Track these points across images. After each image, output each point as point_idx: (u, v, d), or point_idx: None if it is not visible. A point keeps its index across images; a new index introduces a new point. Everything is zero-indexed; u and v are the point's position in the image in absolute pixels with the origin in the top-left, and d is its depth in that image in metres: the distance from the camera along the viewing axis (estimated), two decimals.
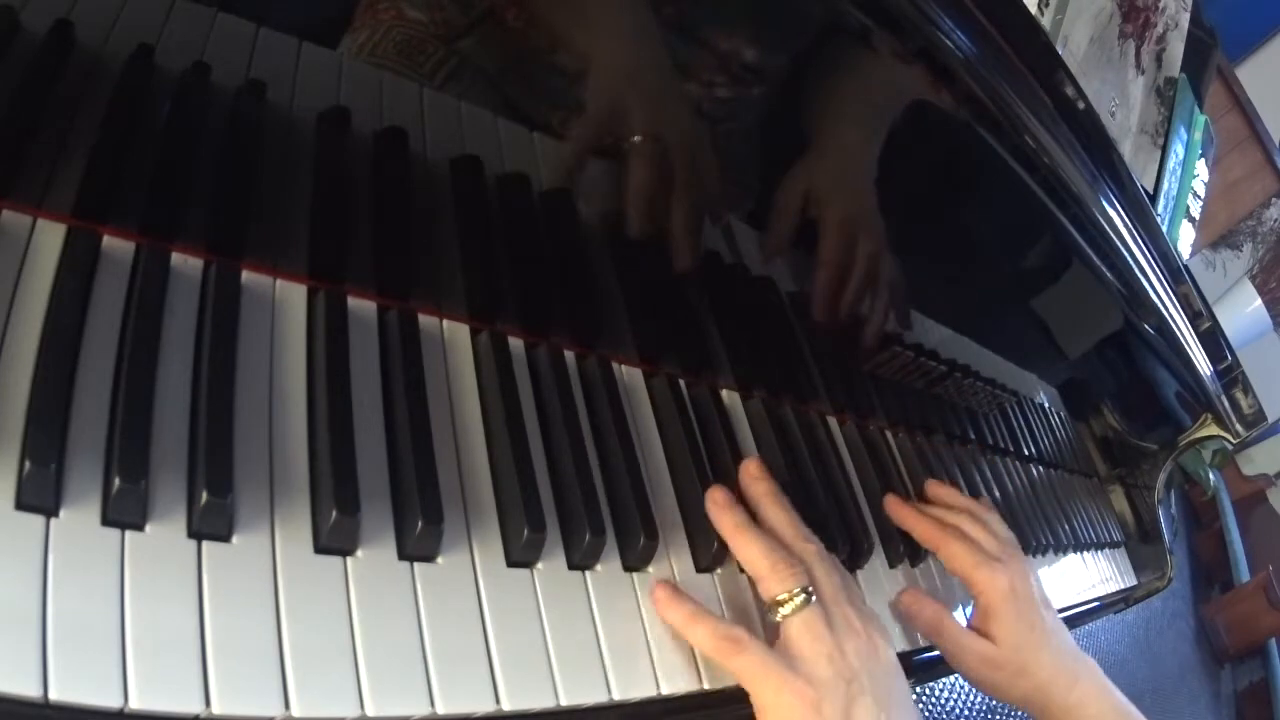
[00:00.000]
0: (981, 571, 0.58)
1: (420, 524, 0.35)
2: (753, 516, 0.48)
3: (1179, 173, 0.84)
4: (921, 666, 0.60)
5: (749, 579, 0.48)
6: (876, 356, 0.67)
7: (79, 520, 0.28)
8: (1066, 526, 0.89)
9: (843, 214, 0.55)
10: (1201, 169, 0.93)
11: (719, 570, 0.48)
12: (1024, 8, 0.51)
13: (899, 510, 0.62)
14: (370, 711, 0.31)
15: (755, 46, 0.46)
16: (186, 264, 0.36)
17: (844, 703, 0.42)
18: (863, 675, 0.43)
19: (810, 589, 0.45)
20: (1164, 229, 0.71)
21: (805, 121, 0.52)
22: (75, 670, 0.26)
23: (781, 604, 0.44)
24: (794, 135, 0.53)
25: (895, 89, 0.50)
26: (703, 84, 0.47)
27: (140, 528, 0.30)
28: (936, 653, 0.60)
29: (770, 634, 0.46)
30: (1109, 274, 0.67)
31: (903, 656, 0.57)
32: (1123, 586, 1.00)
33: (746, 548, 0.46)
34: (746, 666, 0.42)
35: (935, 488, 0.68)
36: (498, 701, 0.35)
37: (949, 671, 0.60)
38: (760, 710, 0.42)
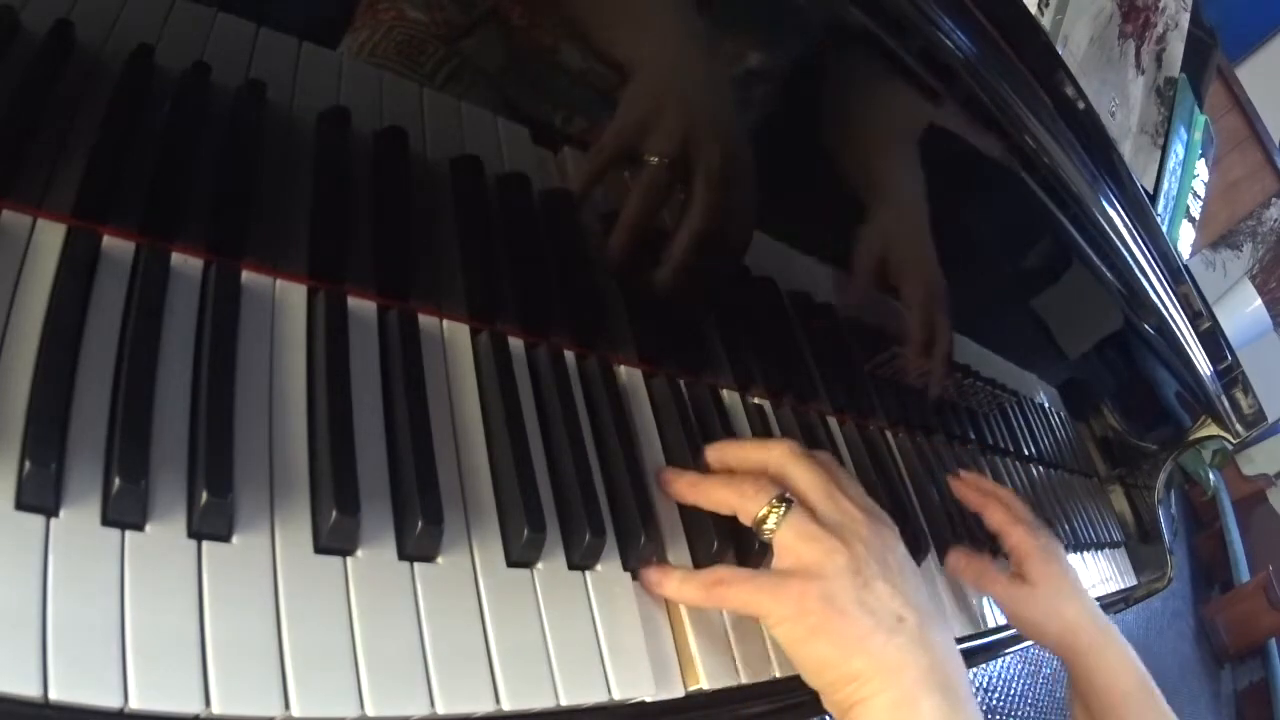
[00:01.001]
0: (1019, 528, 0.66)
1: (420, 524, 0.35)
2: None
3: (1179, 173, 0.84)
4: None
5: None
6: (877, 358, 0.67)
7: (79, 520, 0.28)
8: (1066, 526, 0.89)
9: (924, 278, 0.61)
10: (1201, 169, 0.93)
11: None
12: (1024, 8, 0.51)
13: (957, 485, 0.71)
14: (370, 711, 0.31)
15: (757, 49, 0.46)
16: (186, 264, 0.36)
17: (855, 591, 0.40)
18: (869, 566, 0.41)
19: (787, 495, 0.43)
20: (1164, 229, 0.71)
21: (846, 170, 0.54)
22: (75, 670, 0.26)
23: (764, 522, 0.42)
24: (794, 135, 0.53)
25: (917, 114, 0.51)
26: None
27: (140, 528, 0.29)
28: None
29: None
30: (1109, 274, 0.67)
31: None
32: (1123, 586, 1.01)
33: (709, 492, 0.44)
34: (740, 595, 0.41)
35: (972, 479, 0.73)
36: (498, 701, 0.35)
37: None
38: (779, 637, 0.41)
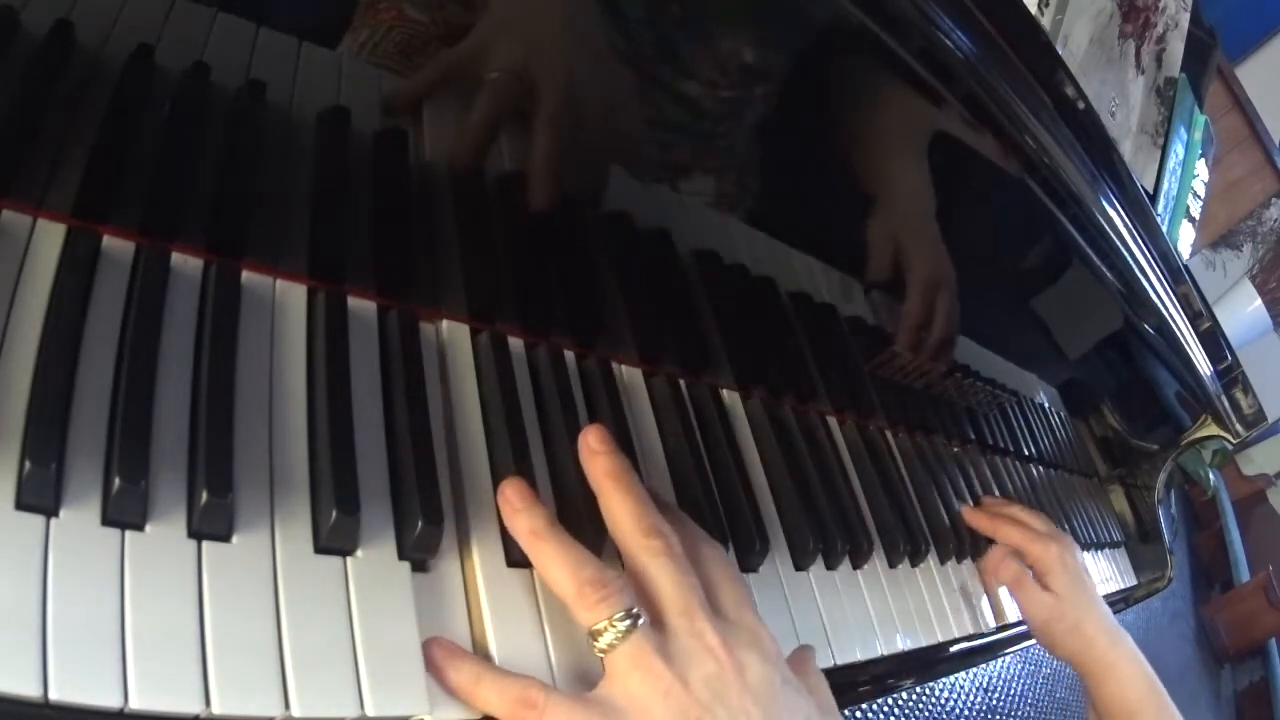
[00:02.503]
0: (1035, 544, 0.69)
1: (420, 524, 0.35)
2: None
3: (1179, 173, 0.84)
4: (921, 666, 0.60)
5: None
6: (877, 358, 0.67)
7: (79, 520, 0.28)
8: (1066, 526, 0.89)
9: (931, 268, 0.62)
10: (1201, 169, 0.93)
11: None
12: (1024, 8, 0.51)
13: (970, 515, 0.73)
14: (370, 711, 0.31)
15: (756, 47, 0.46)
16: (186, 264, 0.36)
17: None
18: (716, 707, 0.34)
19: (636, 611, 0.35)
20: (1164, 229, 0.71)
21: (847, 169, 0.54)
22: (75, 670, 0.26)
23: (597, 635, 0.35)
24: (795, 136, 0.53)
25: (915, 111, 0.51)
26: (704, 83, 0.46)
27: (140, 528, 0.29)
28: (939, 653, 0.60)
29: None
30: (1109, 274, 0.67)
31: (904, 655, 0.57)
32: (1123, 586, 1.01)
33: (546, 564, 0.36)
34: None
35: (984, 503, 0.77)
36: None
37: (949, 671, 0.61)
38: None
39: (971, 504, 0.75)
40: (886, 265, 0.61)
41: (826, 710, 0.40)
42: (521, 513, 0.37)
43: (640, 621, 0.35)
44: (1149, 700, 0.65)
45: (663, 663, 0.35)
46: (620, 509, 0.38)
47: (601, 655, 0.35)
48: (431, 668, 0.33)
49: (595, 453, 0.40)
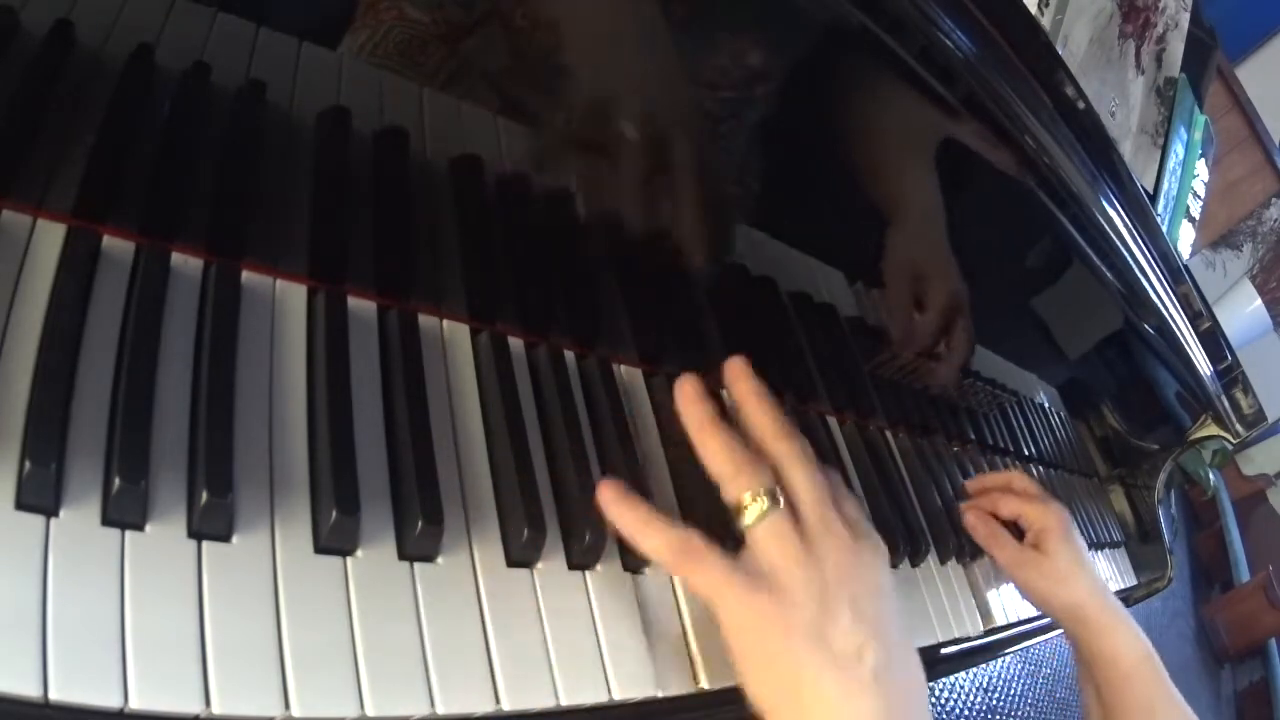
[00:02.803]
0: (1030, 505, 0.68)
1: (420, 524, 0.35)
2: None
3: (1179, 173, 0.84)
4: (923, 665, 0.60)
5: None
6: (875, 357, 0.67)
7: (79, 520, 0.28)
8: None
9: (949, 291, 0.62)
10: (1201, 169, 0.93)
11: None
12: (1024, 8, 0.51)
13: (967, 511, 0.70)
14: (370, 711, 0.31)
15: (759, 48, 0.46)
16: (186, 264, 0.36)
17: (816, 619, 0.38)
18: (839, 590, 0.38)
19: (777, 492, 0.40)
20: (1164, 229, 0.71)
21: (848, 169, 0.54)
22: (75, 670, 0.26)
23: (745, 509, 0.39)
24: (797, 135, 0.53)
25: (915, 112, 0.51)
26: (706, 84, 0.47)
27: (140, 528, 0.30)
28: (938, 653, 0.60)
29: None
30: (1109, 274, 0.67)
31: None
32: (1123, 586, 1.00)
33: (708, 445, 0.41)
34: (705, 580, 0.38)
35: (970, 482, 0.75)
36: (498, 701, 0.35)
37: (949, 671, 0.61)
38: (725, 631, 0.39)
39: (970, 499, 0.73)
40: (875, 263, 0.61)
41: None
42: (694, 403, 0.43)
43: (781, 503, 0.40)
44: (1144, 666, 0.63)
45: (799, 539, 0.39)
46: (766, 418, 0.43)
47: (746, 526, 0.40)
48: (603, 504, 0.39)
49: (739, 377, 0.45)
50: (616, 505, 0.39)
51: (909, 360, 0.67)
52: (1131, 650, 0.64)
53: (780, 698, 0.38)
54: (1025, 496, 0.69)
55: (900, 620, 0.41)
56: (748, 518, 0.39)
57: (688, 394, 0.43)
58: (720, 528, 0.44)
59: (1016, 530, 0.70)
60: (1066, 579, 0.65)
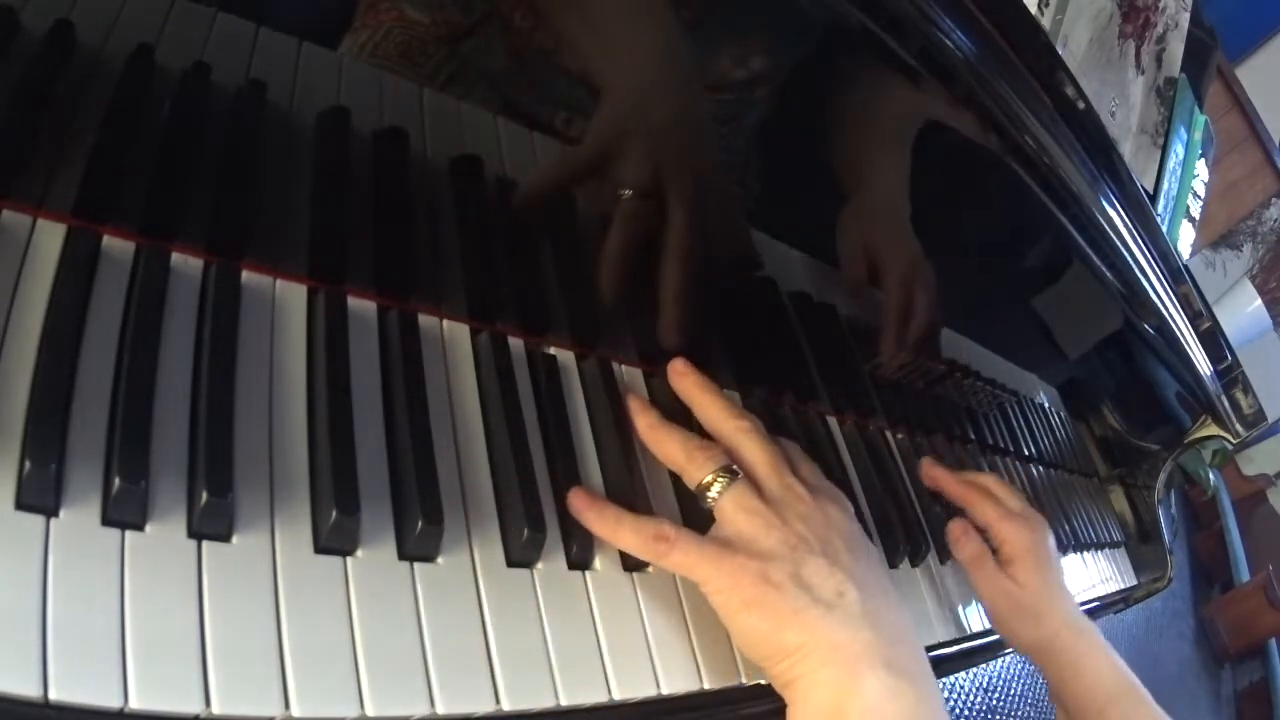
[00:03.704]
0: (1006, 523, 0.64)
1: (420, 524, 0.35)
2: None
3: (1179, 173, 0.84)
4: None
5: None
6: (877, 358, 0.67)
7: (79, 520, 0.28)
8: (1066, 526, 0.89)
9: (905, 262, 0.60)
10: (1201, 169, 0.93)
11: None
12: (1024, 8, 0.51)
13: (933, 470, 0.68)
14: (370, 711, 0.31)
15: (759, 50, 0.46)
16: (186, 264, 0.36)
17: (791, 567, 0.40)
18: (810, 538, 0.42)
19: (734, 467, 0.43)
20: (1164, 229, 0.71)
21: (836, 157, 0.53)
22: (75, 670, 0.26)
23: (706, 488, 0.43)
24: (796, 135, 0.53)
25: (911, 107, 0.50)
26: (707, 86, 0.46)
27: (140, 528, 0.30)
28: (938, 653, 0.60)
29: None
30: (1109, 274, 0.67)
31: None
32: (1123, 586, 1.00)
33: (662, 443, 0.45)
34: (683, 560, 0.40)
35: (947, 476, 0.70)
36: (498, 701, 0.35)
37: (949, 671, 0.60)
38: (714, 602, 0.41)
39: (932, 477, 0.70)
40: (865, 262, 0.59)
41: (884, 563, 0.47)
42: (640, 412, 0.47)
43: (739, 474, 0.43)
44: (1124, 695, 0.59)
45: (762, 504, 0.42)
46: (713, 406, 0.47)
47: (711, 504, 0.43)
48: (575, 513, 0.41)
49: (681, 374, 0.49)
50: (587, 512, 0.41)
51: (894, 357, 0.65)
52: (1106, 683, 0.60)
53: (773, 645, 0.40)
54: (999, 508, 0.65)
55: (880, 570, 0.44)
56: (712, 494, 0.43)
57: (633, 406, 0.47)
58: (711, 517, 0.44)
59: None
60: (1038, 617, 0.61)
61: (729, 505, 0.42)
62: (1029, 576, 0.62)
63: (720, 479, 0.43)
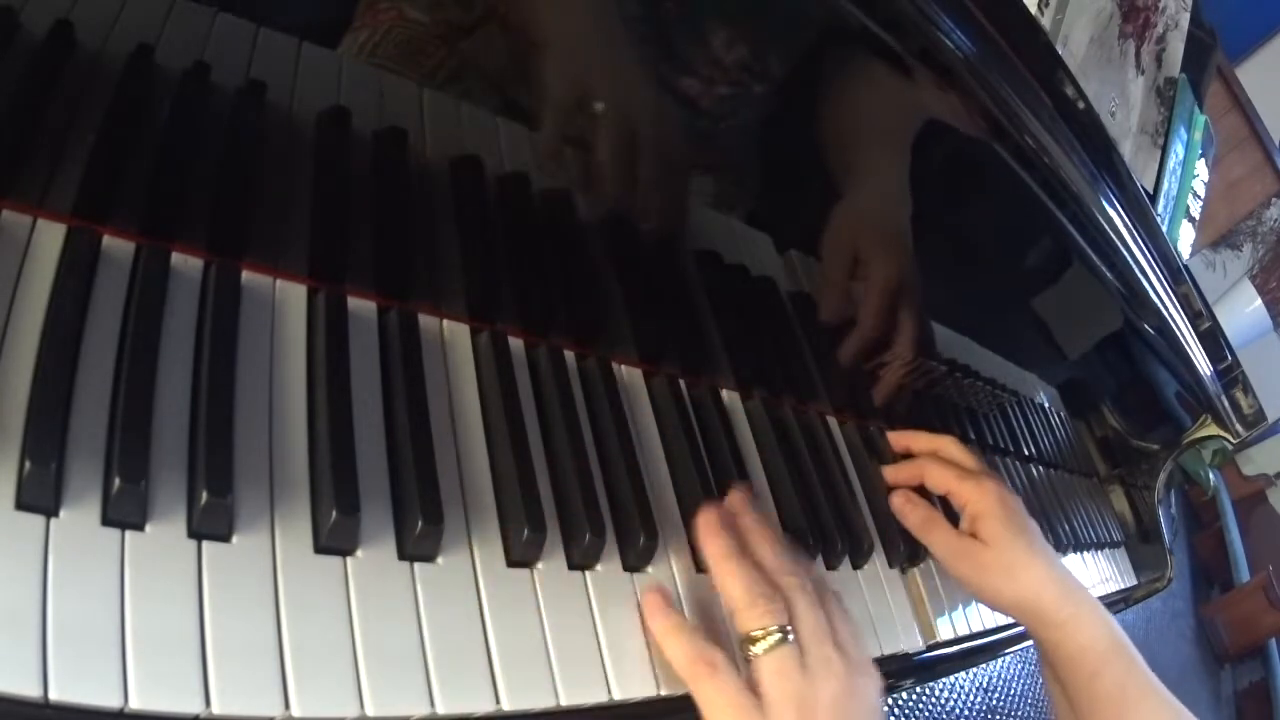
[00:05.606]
0: (965, 483, 0.61)
1: (420, 524, 0.35)
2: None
3: (1179, 173, 0.84)
4: (923, 666, 0.60)
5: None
6: (877, 358, 0.67)
7: (79, 520, 0.28)
8: (1066, 526, 0.89)
9: (894, 267, 0.59)
10: (1201, 169, 0.93)
11: None
12: (1024, 8, 0.51)
13: (898, 439, 0.67)
14: (370, 711, 0.31)
15: (756, 45, 0.46)
16: (186, 264, 0.36)
17: None
18: (832, 714, 0.42)
19: (788, 629, 0.43)
20: (1164, 229, 0.71)
21: (830, 153, 0.53)
22: (75, 670, 0.26)
23: (756, 641, 0.42)
24: (797, 135, 0.53)
25: (909, 106, 0.50)
26: (703, 80, 0.46)
27: (140, 528, 0.30)
28: (937, 653, 0.60)
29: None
30: (1109, 274, 0.67)
31: (904, 658, 0.57)
32: (1123, 586, 1.00)
33: (728, 578, 0.44)
34: (713, 695, 0.40)
35: (900, 436, 0.68)
36: (498, 701, 0.35)
37: (949, 671, 0.60)
38: None
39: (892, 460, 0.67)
40: (851, 260, 0.59)
41: None
42: (715, 537, 0.45)
43: (790, 639, 0.42)
44: (1116, 661, 0.56)
45: (800, 674, 0.42)
46: (767, 551, 0.46)
47: (752, 655, 0.42)
48: (643, 606, 0.43)
49: (740, 513, 0.48)
50: (653, 612, 0.43)
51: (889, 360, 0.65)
52: (1097, 643, 0.57)
53: None
54: (955, 470, 0.61)
55: None
56: (757, 649, 0.42)
57: (709, 526, 0.46)
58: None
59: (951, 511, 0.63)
60: (1011, 571, 0.57)
61: (771, 664, 0.42)
62: (996, 532, 0.58)
63: (773, 636, 0.42)
